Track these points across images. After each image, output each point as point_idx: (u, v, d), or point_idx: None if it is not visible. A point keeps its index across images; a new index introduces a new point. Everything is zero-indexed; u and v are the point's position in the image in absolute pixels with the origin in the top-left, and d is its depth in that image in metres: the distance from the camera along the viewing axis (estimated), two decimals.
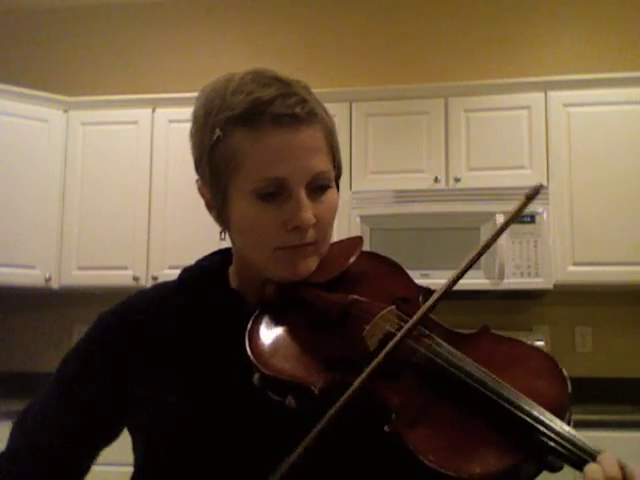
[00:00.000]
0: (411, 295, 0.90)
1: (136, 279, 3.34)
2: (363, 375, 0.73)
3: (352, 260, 0.94)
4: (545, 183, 3.12)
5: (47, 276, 3.36)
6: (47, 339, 3.61)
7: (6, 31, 3.98)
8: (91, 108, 3.52)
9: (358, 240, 0.99)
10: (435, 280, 2.97)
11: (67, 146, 3.48)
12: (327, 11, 3.78)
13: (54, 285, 3.40)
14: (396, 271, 0.96)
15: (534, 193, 0.76)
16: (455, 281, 0.77)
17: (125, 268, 3.37)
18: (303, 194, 0.86)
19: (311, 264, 0.89)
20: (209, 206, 0.94)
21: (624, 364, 3.32)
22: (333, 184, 0.91)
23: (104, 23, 3.94)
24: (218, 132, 0.87)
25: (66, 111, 3.50)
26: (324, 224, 0.89)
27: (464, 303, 3.15)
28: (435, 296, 0.78)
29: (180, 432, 0.88)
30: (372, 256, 0.99)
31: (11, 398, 2.96)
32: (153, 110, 3.46)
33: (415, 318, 0.78)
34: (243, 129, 0.85)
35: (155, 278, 3.29)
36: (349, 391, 0.72)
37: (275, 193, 0.85)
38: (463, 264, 0.77)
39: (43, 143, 3.42)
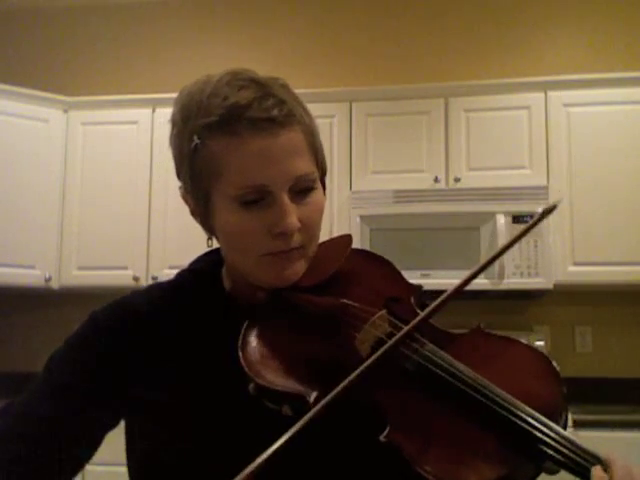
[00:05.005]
0: (402, 294, 0.89)
1: (136, 279, 3.34)
2: (343, 383, 0.71)
3: (342, 261, 0.92)
4: (545, 183, 3.13)
5: (47, 276, 3.36)
6: (47, 339, 3.59)
7: (6, 31, 3.98)
8: (91, 108, 3.52)
9: (347, 238, 0.97)
10: (435, 280, 2.98)
11: (67, 146, 3.48)
12: (327, 11, 3.78)
13: (54, 285, 3.40)
14: (387, 269, 0.94)
15: (550, 209, 0.75)
16: (452, 295, 0.77)
17: (125, 268, 3.37)
18: (286, 199, 0.84)
19: (299, 269, 0.88)
20: (193, 213, 0.94)
21: (624, 364, 3.32)
22: (318, 184, 0.89)
23: (104, 23, 3.94)
24: (196, 139, 0.86)
25: (66, 111, 3.50)
26: (310, 226, 0.88)
27: (464, 303, 3.14)
28: (430, 307, 0.78)
29: (176, 432, 0.87)
30: (362, 254, 0.98)
31: (11, 398, 2.96)
32: (153, 110, 3.46)
33: (408, 327, 0.77)
34: (221, 136, 0.84)
35: (155, 278, 3.29)
36: (326, 399, 0.71)
37: (258, 199, 0.84)
38: (463, 278, 0.77)
39: (43, 143, 3.42)
